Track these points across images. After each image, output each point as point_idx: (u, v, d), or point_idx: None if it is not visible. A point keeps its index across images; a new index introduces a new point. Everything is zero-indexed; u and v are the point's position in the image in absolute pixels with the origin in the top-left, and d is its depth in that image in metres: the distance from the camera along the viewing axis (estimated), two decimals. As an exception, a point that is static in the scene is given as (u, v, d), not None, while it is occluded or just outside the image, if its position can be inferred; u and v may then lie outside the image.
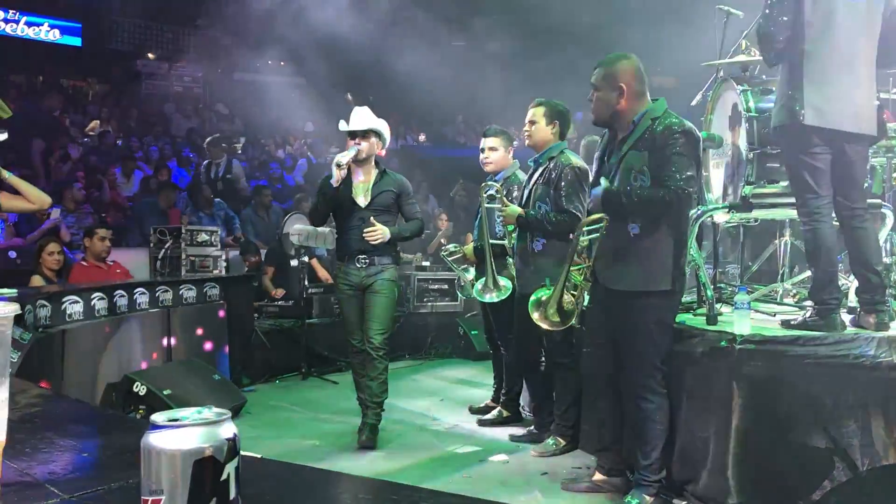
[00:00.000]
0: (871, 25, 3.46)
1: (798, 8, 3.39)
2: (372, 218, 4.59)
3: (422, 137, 16.52)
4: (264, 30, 13.53)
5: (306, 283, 7.19)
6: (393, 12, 12.15)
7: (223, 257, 6.78)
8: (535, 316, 3.74)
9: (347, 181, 4.64)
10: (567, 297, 3.61)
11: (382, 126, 4.77)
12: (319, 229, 7.83)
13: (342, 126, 4.75)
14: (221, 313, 6.33)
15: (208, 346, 6.11)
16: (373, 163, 4.75)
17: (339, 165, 4.50)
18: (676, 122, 3.38)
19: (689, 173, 3.29)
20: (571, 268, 3.58)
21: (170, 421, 0.75)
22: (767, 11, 3.47)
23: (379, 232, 4.56)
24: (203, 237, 6.51)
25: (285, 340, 6.97)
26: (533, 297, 3.79)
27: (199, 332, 6.06)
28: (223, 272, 6.69)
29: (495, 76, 12.76)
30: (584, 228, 3.47)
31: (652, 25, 12.04)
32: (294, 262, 7.54)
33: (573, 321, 3.75)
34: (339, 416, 5.52)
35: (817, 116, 3.37)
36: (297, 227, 7.13)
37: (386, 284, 4.65)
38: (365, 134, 4.67)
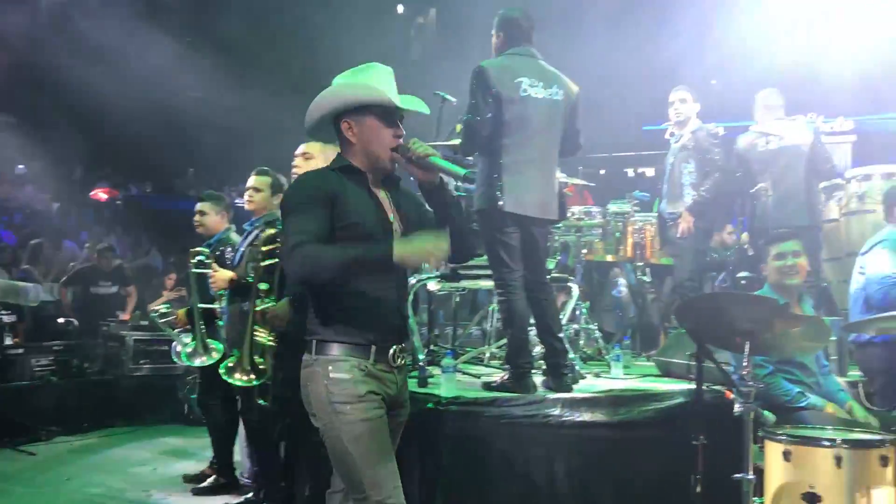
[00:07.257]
0: (555, 123, 3.94)
1: (498, 108, 3.78)
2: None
3: (148, 190, 15.69)
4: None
5: (6, 342, 6.51)
6: (121, 49, 11.36)
7: None
8: (235, 377, 3.89)
9: (363, 198, 2.57)
10: (257, 357, 3.82)
11: None
12: (21, 284, 7.17)
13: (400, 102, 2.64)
14: None
15: None
16: None
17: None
18: None
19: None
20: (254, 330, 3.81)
21: None
22: (473, 107, 3.82)
23: None
24: None
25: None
26: (228, 364, 3.92)
27: None
28: None
29: (226, 130, 12.49)
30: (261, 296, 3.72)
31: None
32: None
33: (266, 378, 3.91)
34: (40, 489, 5.06)
35: (514, 204, 3.79)
36: (-6, 282, 6.47)
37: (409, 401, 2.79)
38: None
